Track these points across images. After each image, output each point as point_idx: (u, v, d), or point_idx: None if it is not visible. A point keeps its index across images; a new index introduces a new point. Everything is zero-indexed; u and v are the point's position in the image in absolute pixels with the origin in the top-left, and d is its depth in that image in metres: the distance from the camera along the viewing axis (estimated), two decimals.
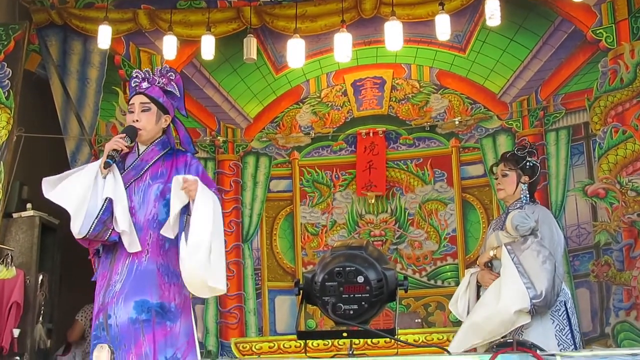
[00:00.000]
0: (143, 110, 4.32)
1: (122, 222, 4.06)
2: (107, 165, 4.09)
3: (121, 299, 4.06)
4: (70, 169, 7.51)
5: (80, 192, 4.08)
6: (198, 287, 4.05)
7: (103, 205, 4.05)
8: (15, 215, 7.26)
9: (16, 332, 6.65)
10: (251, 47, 7.20)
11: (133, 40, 7.80)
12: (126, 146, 4.19)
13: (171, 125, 4.47)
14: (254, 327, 7.62)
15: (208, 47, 7.15)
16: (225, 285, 4.17)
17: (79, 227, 4.05)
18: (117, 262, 4.17)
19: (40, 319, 7.12)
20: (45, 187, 4.17)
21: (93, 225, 4.04)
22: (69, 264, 7.84)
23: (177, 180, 4.05)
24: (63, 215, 7.45)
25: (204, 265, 3.96)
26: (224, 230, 4.32)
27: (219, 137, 7.91)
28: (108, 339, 4.05)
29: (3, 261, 6.77)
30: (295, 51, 7.05)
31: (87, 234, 4.06)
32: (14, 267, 6.79)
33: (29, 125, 7.34)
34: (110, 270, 4.19)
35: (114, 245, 4.18)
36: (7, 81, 7.24)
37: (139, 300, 4.05)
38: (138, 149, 4.35)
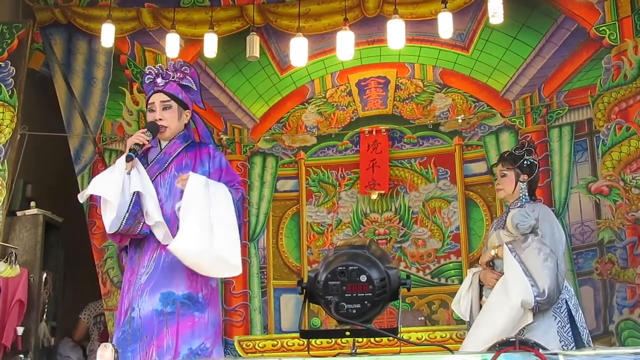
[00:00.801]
0: (165, 109, 4.36)
1: (155, 214, 4.10)
2: (129, 159, 4.12)
3: (146, 292, 4.10)
4: (74, 167, 7.63)
5: (113, 188, 4.12)
6: (205, 266, 4.07)
7: (132, 199, 4.09)
8: (19, 213, 7.28)
9: (20, 330, 6.67)
10: (254, 44, 7.19)
11: (138, 39, 7.81)
12: (147, 140, 4.22)
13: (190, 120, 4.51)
14: (259, 325, 7.63)
15: (210, 45, 7.14)
16: (237, 260, 4.15)
17: (109, 223, 4.09)
18: (143, 256, 4.22)
19: (44, 317, 7.15)
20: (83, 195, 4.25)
21: (125, 220, 4.08)
22: (72, 262, 7.88)
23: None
24: (67, 214, 7.52)
25: (196, 243, 4.00)
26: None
27: (223, 136, 7.91)
28: (130, 332, 4.08)
29: (7, 259, 6.80)
30: (298, 49, 7.03)
31: (119, 228, 4.09)
32: (17, 265, 6.81)
33: (33, 124, 7.37)
34: (138, 265, 4.23)
35: (141, 240, 4.22)
36: (10, 79, 7.26)
37: (165, 292, 4.09)
38: (160, 144, 4.40)
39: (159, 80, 4.40)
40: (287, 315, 7.68)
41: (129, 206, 4.07)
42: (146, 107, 4.49)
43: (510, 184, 4.94)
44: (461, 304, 4.98)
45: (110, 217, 4.09)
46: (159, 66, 4.49)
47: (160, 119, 4.34)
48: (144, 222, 4.12)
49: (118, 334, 4.19)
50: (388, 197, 7.71)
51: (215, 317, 4.23)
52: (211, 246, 4.01)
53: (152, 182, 4.23)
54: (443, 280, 7.51)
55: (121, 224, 4.07)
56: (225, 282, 7.64)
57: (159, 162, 4.34)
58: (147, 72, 4.46)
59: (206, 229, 4.03)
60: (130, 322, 4.10)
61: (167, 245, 4.10)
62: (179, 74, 4.44)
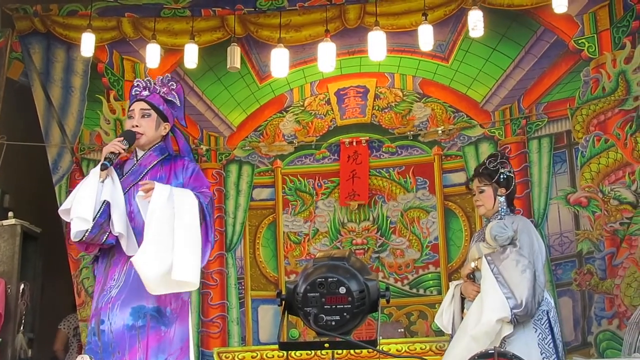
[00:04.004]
0: (143, 116, 4.34)
1: (119, 225, 4.06)
2: (103, 167, 4.10)
3: (117, 305, 4.05)
4: (51, 177, 7.56)
5: (81, 197, 4.09)
6: (153, 283, 4.02)
7: (100, 209, 4.06)
8: None
9: None
10: (235, 56, 7.19)
11: (116, 48, 7.78)
12: (123, 149, 4.19)
13: (170, 134, 4.49)
14: (237, 337, 7.59)
15: (191, 55, 7.14)
16: (194, 278, 4.09)
17: (74, 231, 4.06)
18: (113, 267, 4.17)
19: (22, 328, 7.09)
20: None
21: (89, 229, 4.04)
22: (50, 272, 7.82)
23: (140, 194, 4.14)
24: (45, 224, 7.46)
25: (151, 258, 3.97)
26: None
27: (202, 146, 7.89)
28: (100, 345, 4.04)
29: None
30: (279, 61, 7.05)
31: (84, 237, 4.05)
32: None
33: (11, 133, 7.32)
34: (105, 276, 4.19)
35: (111, 251, 4.19)
36: None
37: (136, 307, 4.05)
38: (136, 155, 4.38)
39: (145, 92, 4.40)
40: (265, 326, 7.65)
41: (96, 215, 4.04)
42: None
43: (489, 199, 4.90)
44: (443, 317, 4.96)
45: (76, 226, 4.06)
46: (147, 79, 4.48)
47: (137, 126, 4.31)
48: (110, 232, 4.09)
49: (86, 345, 4.17)
50: (366, 206, 7.69)
51: (183, 332, 4.18)
52: (168, 271, 3.97)
53: (126, 193, 4.20)
54: (422, 291, 7.50)
55: (85, 233, 4.04)
56: (203, 294, 7.61)
57: (133, 173, 4.31)
58: (136, 85, 4.45)
59: (167, 249, 3.99)
60: (99, 334, 4.06)
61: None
62: (165, 89, 4.43)
